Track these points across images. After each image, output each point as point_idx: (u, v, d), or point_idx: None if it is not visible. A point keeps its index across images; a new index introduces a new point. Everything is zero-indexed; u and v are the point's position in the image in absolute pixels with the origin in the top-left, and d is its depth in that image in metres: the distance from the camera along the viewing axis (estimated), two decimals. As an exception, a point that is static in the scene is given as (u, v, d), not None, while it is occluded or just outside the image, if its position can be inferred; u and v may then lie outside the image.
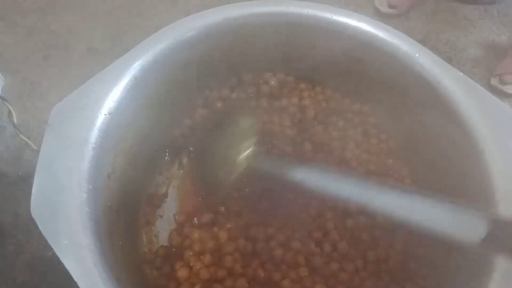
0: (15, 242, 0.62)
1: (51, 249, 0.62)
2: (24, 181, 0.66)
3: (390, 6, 0.95)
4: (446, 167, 0.41)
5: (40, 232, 0.64)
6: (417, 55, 0.40)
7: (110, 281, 0.29)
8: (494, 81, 0.86)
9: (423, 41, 0.89)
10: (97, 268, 0.29)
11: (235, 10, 0.42)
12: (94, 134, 0.35)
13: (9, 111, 0.66)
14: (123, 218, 0.41)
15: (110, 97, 0.37)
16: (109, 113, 0.37)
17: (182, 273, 0.39)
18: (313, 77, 0.50)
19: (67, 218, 0.31)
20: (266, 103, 0.50)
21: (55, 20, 0.85)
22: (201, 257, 0.40)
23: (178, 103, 0.48)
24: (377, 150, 0.47)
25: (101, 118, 0.36)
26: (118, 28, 0.86)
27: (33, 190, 0.32)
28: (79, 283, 0.28)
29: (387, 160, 0.47)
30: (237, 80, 0.50)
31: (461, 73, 0.38)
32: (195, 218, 0.43)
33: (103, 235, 0.33)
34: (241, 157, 0.44)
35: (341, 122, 0.48)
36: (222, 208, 0.44)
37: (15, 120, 0.65)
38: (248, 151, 0.44)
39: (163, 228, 0.46)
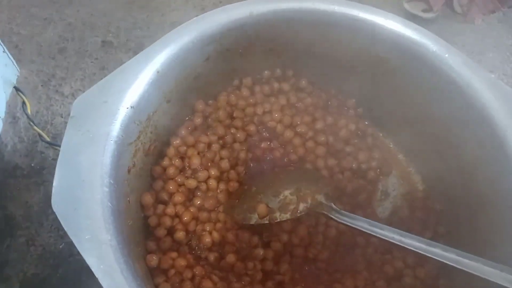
0: (26, 234, 0.61)
1: (62, 242, 0.61)
2: (37, 173, 0.65)
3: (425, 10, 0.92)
4: (473, 171, 0.40)
5: (51, 225, 0.64)
6: (446, 55, 0.39)
7: (133, 279, 0.28)
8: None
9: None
10: (119, 266, 0.28)
11: (260, 5, 0.41)
12: (116, 128, 0.34)
13: (23, 102, 0.65)
14: (141, 214, 0.40)
15: (132, 91, 0.36)
16: (131, 107, 0.36)
17: None
18: (332, 79, 0.50)
19: (88, 213, 0.30)
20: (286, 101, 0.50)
21: (71, 12, 0.84)
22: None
23: (198, 99, 0.47)
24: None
25: (123, 112, 0.35)
26: (133, 22, 0.85)
27: (54, 184, 0.31)
28: (102, 282, 0.27)
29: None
30: (257, 76, 0.49)
31: (493, 76, 0.37)
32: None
33: (124, 231, 0.32)
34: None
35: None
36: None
37: (29, 111, 0.64)
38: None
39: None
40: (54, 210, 0.30)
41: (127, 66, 0.37)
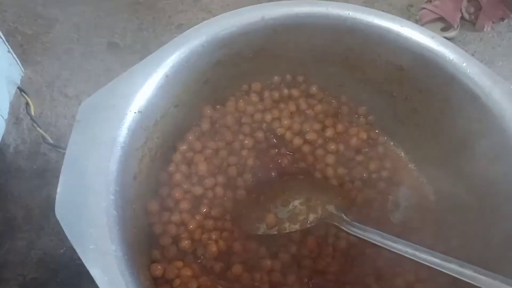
0: (26, 237, 0.60)
1: (63, 246, 0.60)
2: (39, 175, 0.65)
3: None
4: (489, 185, 0.39)
5: (52, 229, 0.63)
6: (464, 64, 0.38)
7: (138, 292, 0.27)
8: None
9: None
10: (124, 278, 0.27)
11: (272, 9, 0.40)
12: (123, 133, 0.33)
13: (27, 103, 0.65)
14: (146, 221, 0.39)
15: (140, 95, 0.35)
16: (138, 112, 0.35)
17: None
18: (343, 86, 0.48)
19: (93, 221, 0.29)
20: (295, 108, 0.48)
21: (76, 13, 0.83)
22: None
23: (206, 104, 0.46)
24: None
25: (130, 116, 0.34)
26: (139, 23, 0.84)
27: (58, 190, 0.30)
28: (106, 294, 0.26)
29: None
30: (267, 82, 0.48)
31: (512, 87, 0.36)
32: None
33: (129, 240, 0.31)
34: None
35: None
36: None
37: (32, 113, 0.63)
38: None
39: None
40: (58, 217, 0.29)
41: (135, 69, 0.36)
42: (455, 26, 0.90)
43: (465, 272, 0.33)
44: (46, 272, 0.58)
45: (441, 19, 0.89)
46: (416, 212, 0.47)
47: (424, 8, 0.91)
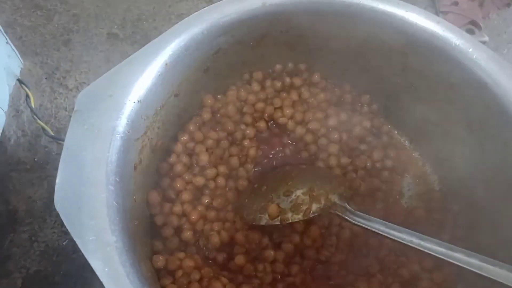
0: (29, 230, 0.60)
1: (65, 238, 0.60)
2: (40, 168, 0.64)
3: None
4: (496, 173, 0.38)
5: (54, 221, 0.63)
6: (470, 50, 0.37)
7: (139, 283, 0.27)
8: None
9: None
10: (125, 269, 0.27)
11: (273, -5, 0.39)
12: (122, 123, 0.33)
13: (27, 95, 0.64)
14: (147, 212, 0.38)
15: (139, 84, 0.35)
16: (138, 101, 0.34)
17: None
18: (347, 74, 0.48)
19: (93, 212, 0.28)
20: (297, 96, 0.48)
21: (76, 3, 0.82)
22: None
23: (207, 93, 0.45)
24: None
25: (130, 106, 0.34)
26: (139, 14, 0.83)
27: (57, 181, 0.29)
28: (107, 286, 0.25)
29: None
30: (268, 70, 0.47)
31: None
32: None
33: (130, 231, 0.30)
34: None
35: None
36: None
37: (32, 105, 0.63)
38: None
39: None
40: (57, 209, 0.28)
41: (134, 58, 0.36)
42: (481, 27, 0.82)
43: (472, 262, 0.32)
44: (49, 264, 0.58)
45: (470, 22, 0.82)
46: (421, 201, 0.46)
47: (450, 12, 0.83)
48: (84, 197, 0.29)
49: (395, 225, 0.36)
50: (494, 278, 0.31)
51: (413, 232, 0.35)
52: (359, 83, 0.48)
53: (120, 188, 0.31)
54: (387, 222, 0.37)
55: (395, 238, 0.36)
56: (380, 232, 0.37)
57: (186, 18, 0.38)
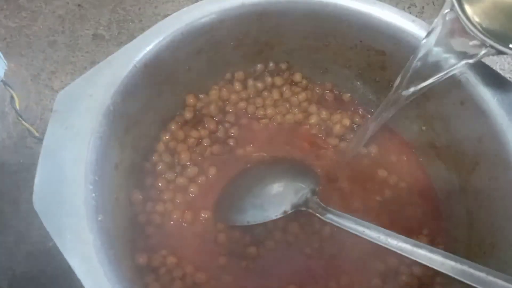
0: (15, 232, 0.60)
1: (51, 240, 0.60)
2: (26, 169, 0.64)
3: None
4: (474, 163, 0.39)
5: (40, 222, 0.63)
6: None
7: (117, 281, 0.27)
8: None
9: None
10: (103, 267, 0.27)
11: (252, -5, 0.40)
12: (102, 123, 0.33)
13: (11, 97, 0.64)
14: (130, 211, 0.39)
15: (119, 84, 0.35)
16: (117, 101, 0.34)
17: None
18: (327, 73, 0.48)
19: (71, 211, 0.29)
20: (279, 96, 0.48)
21: (61, 4, 0.82)
22: None
23: (189, 93, 0.46)
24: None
25: (109, 106, 0.34)
26: (125, 15, 0.83)
27: (36, 181, 0.30)
28: (84, 283, 0.26)
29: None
30: (250, 70, 0.48)
31: (495, 70, 0.36)
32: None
33: (111, 230, 0.31)
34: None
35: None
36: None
37: (17, 106, 0.62)
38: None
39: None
40: (35, 208, 0.29)
41: (114, 57, 0.36)
42: None
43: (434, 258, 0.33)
44: (35, 266, 0.58)
45: None
46: (405, 198, 0.47)
47: None
48: (63, 196, 0.29)
49: (369, 223, 0.36)
50: (463, 280, 0.31)
51: (391, 232, 0.35)
52: (340, 81, 0.49)
53: (99, 187, 0.31)
54: (361, 220, 0.37)
55: (369, 239, 0.36)
56: (351, 231, 0.37)
57: (166, 18, 0.39)
